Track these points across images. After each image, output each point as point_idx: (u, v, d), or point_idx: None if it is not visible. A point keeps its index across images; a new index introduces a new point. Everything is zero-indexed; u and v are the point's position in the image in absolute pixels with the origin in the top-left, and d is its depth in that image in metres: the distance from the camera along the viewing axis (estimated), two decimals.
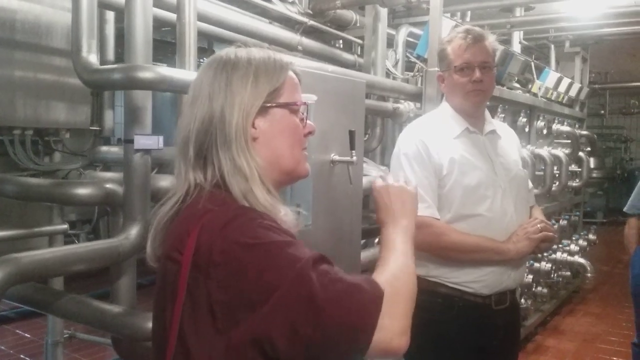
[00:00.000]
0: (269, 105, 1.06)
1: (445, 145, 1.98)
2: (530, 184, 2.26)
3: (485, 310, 1.97)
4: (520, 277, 2.11)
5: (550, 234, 2.02)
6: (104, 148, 2.89)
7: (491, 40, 2.07)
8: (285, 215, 1.03)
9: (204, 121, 1.03)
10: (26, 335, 4.41)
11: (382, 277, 0.99)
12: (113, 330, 2.22)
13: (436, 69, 3.20)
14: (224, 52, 1.10)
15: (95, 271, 2.23)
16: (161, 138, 2.19)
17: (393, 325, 0.91)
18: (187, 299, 0.95)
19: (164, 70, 2.07)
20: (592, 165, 8.12)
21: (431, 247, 1.93)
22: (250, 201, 1.00)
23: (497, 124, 2.19)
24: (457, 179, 1.95)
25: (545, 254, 4.69)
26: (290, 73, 1.11)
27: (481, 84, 2.00)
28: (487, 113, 2.14)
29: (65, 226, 2.81)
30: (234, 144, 1.01)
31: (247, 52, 1.08)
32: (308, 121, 1.14)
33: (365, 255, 2.89)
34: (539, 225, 2.00)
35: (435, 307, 1.97)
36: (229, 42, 3.15)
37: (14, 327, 4.61)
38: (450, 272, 1.96)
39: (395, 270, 1.03)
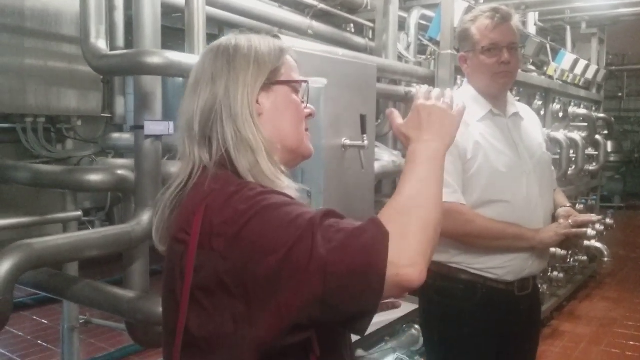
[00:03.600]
0: (271, 82, 1.08)
1: (469, 128, 1.92)
2: (553, 167, 2.21)
3: (508, 297, 1.94)
4: (544, 264, 2.06)
5: (574, 231, 1.90)
6: (116, 135, 2.89)
7: (516, 19, 2.02)
8: (289, 188, 1.03)
9: (208, 100, 1.04)
10: (43, 321, 4.47)
11: (390, 208, 0.94)
12: (127, 315, 2.23)
13: (449, 51, 3.17)
14: (223, 39, 1.12)
15: (109, 258, 2.24)
16: (172, 124, 2.19)
17: (399, 259, 0.86)
18: (196, 278, 0.94)
19: (172, 55, 2.06)
20: (609, 149, 8.00)
21: (457, 233, 1.89)
22: (256, 175, 1.01)
23: (519, 106, 2.14)
24: (482, 163, 1.90)
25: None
26: (289, 56, 1.13)
27: (509, 65, 1.94)
28: (510, 95, 2.08)
29: (79, 213, 2.83)
30: (239, 117, 1.02)
31: (246, 37, 1.11)
32: (309, 104, 1.15)
33: None
34: (570, 221, 1.92)
35: (457, 294, 1.94)
36: (239, 27, 3.13)
37: (31, 313, 4.68)
38: (473, 258, 1.92)
39: (408, 196, 0.95)
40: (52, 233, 2.76)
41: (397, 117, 1.15)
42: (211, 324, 0.94)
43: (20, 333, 4.40)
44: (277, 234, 0.89)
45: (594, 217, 2.01)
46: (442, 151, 1.05)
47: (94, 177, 2.28)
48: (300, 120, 1.12)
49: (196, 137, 1.04)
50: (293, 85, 1.11)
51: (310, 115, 1.14)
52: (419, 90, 1.16)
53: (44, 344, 4.18)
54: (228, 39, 1.11)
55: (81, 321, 3.11)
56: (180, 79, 2.92)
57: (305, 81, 1.14)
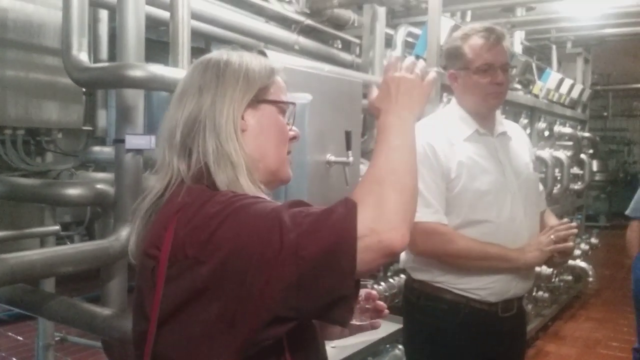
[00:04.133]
0: (259, 99, 1.07)
1: (454, 147, 1.90)
2: (541, 187, 2.19)
3: (491, 318, 1.91)
4: (528, 285, 2.03)
5: (561, 245, 1.89)
6: (97, 148, 2.85)
7: (507, 39, 2.01)
8: None
9: (193, 111, 1.03)
10: (18, 338, 4.36)
11: (365, 179, 0.94)
12: (103, 333, 2.18)
13: (435, 69, 3.16)
14: (215, 53, 1.12)
15: (89, 274, 2.19)
16: (153, 138, 2.16)
17: (378, 226, 0.86)
18: (167, 293, 0.93)
19: (155, 69, 2.03)
20: (594, 168, 8.08)
21: (438, 253, 1.88)
22: (234, 190, 0.99)
23: (507, 124, 2.12)
24: (466, 183, 1.87)
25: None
26: (279, 78, 1.12)
27: (501, 86, 1.94)
28: (498, 114, 2.07)
29: (57, 227, 2.77)
30: (223, 130, 1.01)
31: (238, 53, 1.10)
32: (293, 127, 1.14)
33: None
34: (552, 237, 1.90)
35: (440, 314, 1.92)
36: (225, 42, 3.11)
37: (6, 329, 4.57)
38: (456, 278, 1.90)
39: (381, 165, 0.95)
40: (29, 247, 2.70)
41: (374, 92, 1.14)
42: (184, 339, 0.92)
43: None
44: (250, 230, 0.88)
45: (573, 225, 1.98)
46: (411, 120, 1.05)
47: (73, 192, 2.23)
48: (283, 142, 1.10)
49: (177, 147, 1.03)
50: (280, 105, 1.10)
51: (294, 138, 1.13)
52: (389, 61, 1.15)
53: None
54: (220, 53, 1.10)
55: (57, 338, 3.04)
56: (164, 92, 2.90)
57: (293, 103, 1.13)
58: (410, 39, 3.80)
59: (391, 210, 0.88)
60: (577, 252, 5.54)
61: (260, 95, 1.07)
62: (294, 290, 0.86)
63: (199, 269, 0.89)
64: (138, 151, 2.15)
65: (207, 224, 0.90)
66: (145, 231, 1.02)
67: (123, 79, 2.01)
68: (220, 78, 1.04)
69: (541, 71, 4.94)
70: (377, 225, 0.86)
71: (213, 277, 0.89)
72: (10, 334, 4.43)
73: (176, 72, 2.14)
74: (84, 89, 2.70)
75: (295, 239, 0.85)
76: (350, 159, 2.36)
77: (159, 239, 0.95)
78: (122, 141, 2.12)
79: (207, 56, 1.11)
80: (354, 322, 1.17)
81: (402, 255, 2.08)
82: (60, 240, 3.01)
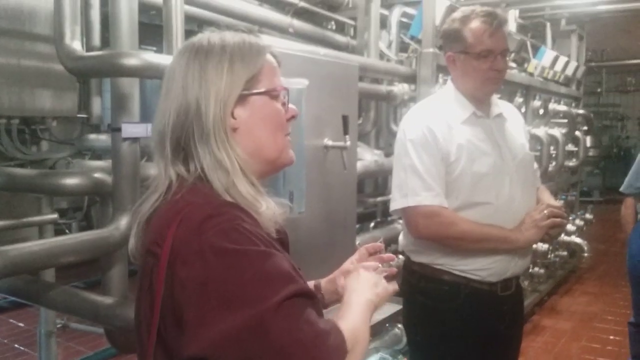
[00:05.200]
0: (247, 93, 1.01)
1: (452, 130, 1.91)
2: (536, 165, 2.21)
3: (491, 297, 1.94)
4: (527, 263, 2.06)
5: (558, 219, 1.95)
6: (92, 136, 2.83)
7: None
8: (268, 209, 0.99)
9: (179, 114, 0.99)
10: (20, 324, 4.38)
11: (346, 331, 0.97)
12: (105, 322, 2.19)
13: (431, 50, 3.15)
14: (196, 38, 1.05)
15: (86, 260, 2.19)
16: (149, 126, 2.13)
17: None
18: (166, 292, 0.92)
19: (150, 57, 2.01)
20: (588, 144, 8.09)
21: (439, 236, 1.89)
22: (233, 195, 0.97)
23: (502, 105, 2.12)
24: (465, 165, 1.88)
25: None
26: (268, 57, 1.06)
27: (501, 72, 1.94)
28: (493, 96, 2.07)
29: (55, 216, 2.77)
30: (212, 137, 0.97)
31: (221, 37, 1.03)
32: (290, 105, 1.09)
33: (361, 240, 2.86)
34: (546, 212, 1.93)
35: (440, 295, 1.94)
36: (219, 25, 3.07)
37: (7, 316, 4.58)
38: (456, 260, 1.92)
39: (359, 334, 1.00)
40: (27, 236, 2.70)
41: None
42: (174, 337, 0.92)
43: None
44: (249, 287, 0.86)
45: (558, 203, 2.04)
46: (373, 305, 1.09)
47: (70, 181, 2.23)
48: (279, 129, 1.06)
49: (168, 157, 1.00)
50: (272, 93, 1.05)
51: (292, 117, 1.09)
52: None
53: (20, 347, 4.10)
54: (200, 39, 1.03)
55: (58, 325, 3.06)
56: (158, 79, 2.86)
57: (285, 89, 1.08)
58: (405, 20, 3.78)
59: None
60: (572, 227, 5.59)
61: (248, 86, 1.01)
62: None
63: (178, 290, 0.89)
64: (134, 139, 2.14)
65: (203, 251, 0.88)
66: (147, 229, 1.01)
67: (118, 68, 1.99)
68: (202, 75, 0.98)
69: (536, 49, 4.92)
70: None
71: (183, 308, 0.88)
72: (11, 320, 4.45)
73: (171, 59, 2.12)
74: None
75: (288, 344, 0.85)
76: (348, 143, 2.36)
77: (161, 237, 0.93)
78: (119, 130, 2.11)
79: (188, 45, 1.04)
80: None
81: (401, 239, 2.10)
82: (58, 226, 3.00)
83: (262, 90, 1.03)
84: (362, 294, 1.09)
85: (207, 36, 1.04)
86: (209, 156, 0.97)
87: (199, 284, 0.87)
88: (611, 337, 4.53)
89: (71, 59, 2.07)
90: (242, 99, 1.01)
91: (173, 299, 0.90)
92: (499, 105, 2.08)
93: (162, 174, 1.02)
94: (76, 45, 2.08)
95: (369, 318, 1.06)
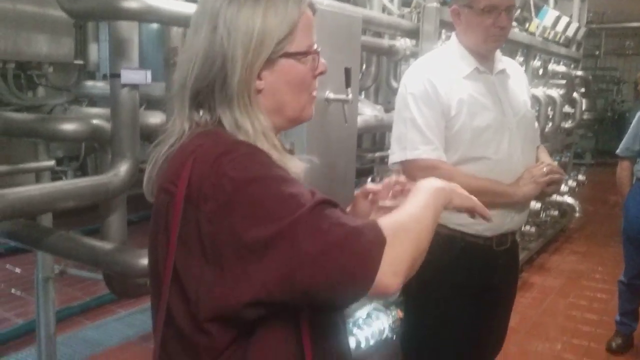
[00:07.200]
0: (276, 56, 0.98)
1: (454, 85, 1.90)
2: (536, 124, 2.21)
3: (486, 251, 1.97)
4: (523, 219, 2.09)
5: (557, 176, 1.98)
6: (90, 83, 2.80)
7: None
8: (295, 167, 0.99)
9: (204, 66, 0.96)
10: (16, 270, 4.40)
11: (393, 219, 0.94)
12: (104, 267, 2.21)
13: (435, 4, 3.10)
14: None
15: (85, 207, 2.19)
16: (149, 72, 2.11)
17: (387, 265, 0.86)
18: (181, 230, 0.92)
19: (151, 0, 1.96)
20: (584, 107, 8.08)
21: None
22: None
23: (506, 61, 2.11)
24: (466, 120, 1.89)
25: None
26: (306, 10, 1.01)
27: (504, 30, 1.92)
28: (497, 51, 2.06)
29: (52, 162, 2.75)
30: (235, 100, 0.95)
31: None
32: (321, 60, 1.05)
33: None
34: (545, 169, 1.95)
35: (436, 249, 1.95)
36: None
37: (4, 262, 4.59)
38: (452, 213, 1.93)
39: (405, 218, 0.96)
40: (24, 183, 2.69)
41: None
42: (190, 275, 0.92)
43: None
44: (273, 206, 0.86)
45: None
46: (444, 193, 1.10)
47: (69, 127, 2.20)
48: (304, 90, 1.03)
49: (186, 111, 1.00)
50: (301, 58, 1.01)
51: (321, 73, 1.06)
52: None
53: (17, 292, 4.14)
54: None
55: (56, 271, 3.08)
56: (155, 25, 2.81)
57: (317, 52, 1.03)
58: None
59: (404, 257, 0.89)
60: (564, 188, 5.64)
61: (280, 48, 0.97)
62: (293, 286, 0.85)
63: (208, 226, 0.88)
64: (134, 86, 2.11)
65: (226, 186, 0.87)
66: (161, 169, 1.01)
67: (118, 11, 1.93)
68: (233, 24, 0.94)
69: (538, 9, 4.85)
70: (388, 267, 0.86)
71: (216, 240, 0.88)
72: (8, 266, 4.46)
73: (174, 4, 2.07)
74: (74, 21, 2.61)
75: (321, 247, 0.84)
76: (350, 96, 2.34)
77: (176, 176, 0.93)
78: (118, 76, 2.08)
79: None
80: (388, 203, 1.20)
81: None
82: (54, 174, 2.99)
83: (293, 52, 0.99)
84: (433, 182, 1.08)
85: None
86: (231, 120, 0.96)
87: (226, 215, 0.87)
88: (598, 295, 4.65)
89: (69, 0, 2.02)
90: (270, 62, 0.98)
91: (200, 234, 0.89)
92: (503, 61, 2.07)
93: (179, 120, 1.01)
94: None
95: (432, 203, 1.03)
